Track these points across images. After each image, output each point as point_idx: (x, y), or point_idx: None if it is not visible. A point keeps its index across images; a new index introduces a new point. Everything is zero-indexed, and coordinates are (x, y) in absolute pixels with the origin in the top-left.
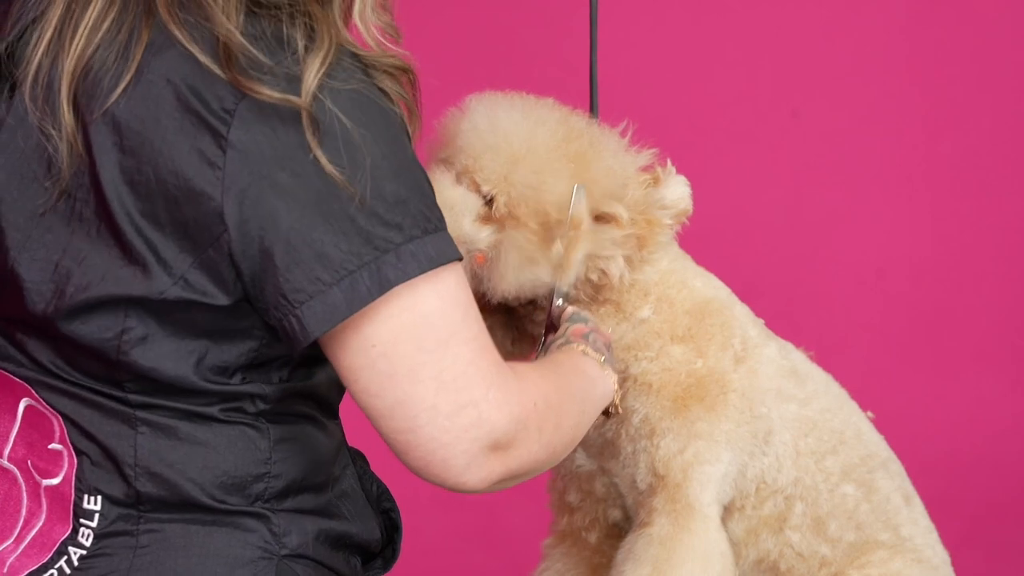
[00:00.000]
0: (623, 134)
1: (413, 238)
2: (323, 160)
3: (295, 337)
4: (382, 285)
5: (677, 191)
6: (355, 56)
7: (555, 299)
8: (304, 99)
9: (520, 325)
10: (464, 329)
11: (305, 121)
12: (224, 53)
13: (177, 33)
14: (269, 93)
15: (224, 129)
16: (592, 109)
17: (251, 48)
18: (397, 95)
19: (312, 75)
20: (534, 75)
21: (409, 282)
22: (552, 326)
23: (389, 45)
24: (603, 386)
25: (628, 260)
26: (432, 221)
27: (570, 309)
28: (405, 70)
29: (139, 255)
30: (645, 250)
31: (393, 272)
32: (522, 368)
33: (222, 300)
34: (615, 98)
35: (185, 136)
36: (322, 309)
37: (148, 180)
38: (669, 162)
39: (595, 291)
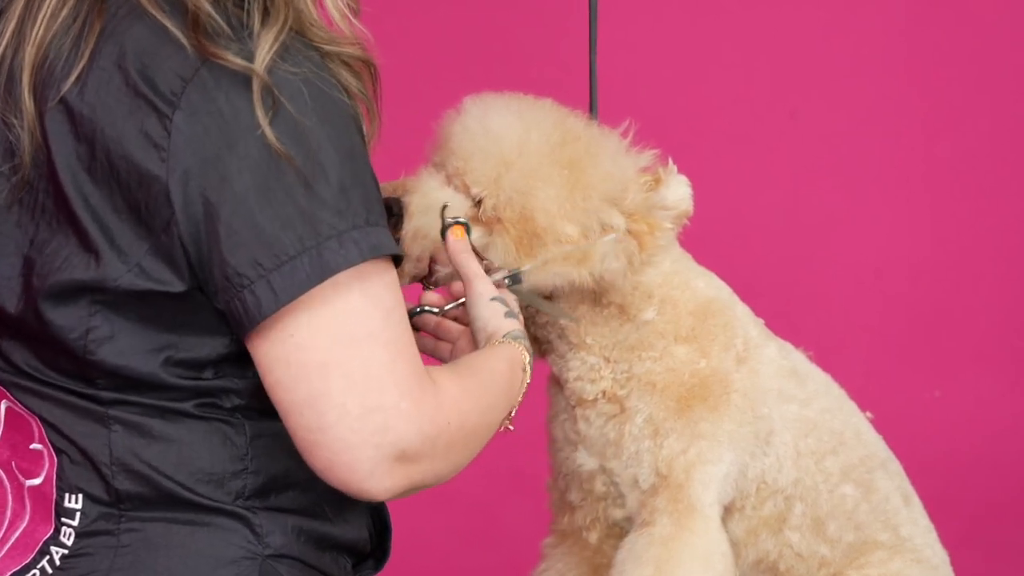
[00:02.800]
0: (624, 134)
1: (356, 226)
2: (270, 136)
3: (240, 321)
4: (322, 271)
5: (678, 192)
6: (312, 44)
7: (505, 274)
8: (260, 67)
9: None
10: (384, 331)
11: (256, 95)
12: (192, 20)
13: (145, 3)
14: (233, 59)
15: (170, 111)
16: (591, 110)
17: (217, 17)
18: (357, 91)
19: (264, 51)
20: (533, 76)
21: (336, 276)
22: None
23: (356, 23)
24: (520, 385)
25: (630, 263)
26: (373, 214)
27: (503, 295)
28: (366, 62)
29: (93, 242)
30: (646, 252)
31: (334, 258)
32: (446, 382)
33: (177, 287)
34: (613, 99)
35: (134, 120)
36: (264, 294)
37: (103, 166)
38: (671, 161)
39: (598, 294)
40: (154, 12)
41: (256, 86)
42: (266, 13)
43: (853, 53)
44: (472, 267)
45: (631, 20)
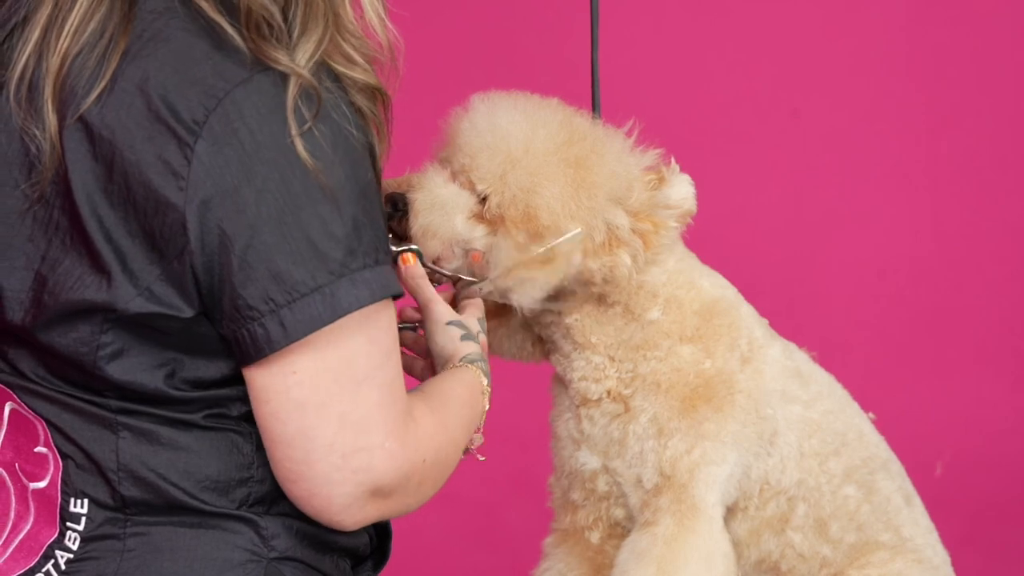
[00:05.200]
0: (628, 134)
1: (367, 266)
2: (300, 147)
3: (247, 352)
4: (335, 310)
5: (681, 191)
6: (334, 74)
7: (473, 282)
8: (301, 71)
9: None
10: (382, 372)
11: (290, 103)
12: (246, 18)
13: (203, 4)
14: (284, 61)
15: (192, 140)
16: (594, 108)
17: (270, 8)
18: (369, 112)
19: (304, 59)
20: (535, 75)
21: (350, 315)
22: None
23: (391, 26)
24: (480, 408)
25: (635, 261)
26: (382, 252)
27: (471, 309)
28: (379, 90)
29: (106, 263)
30: (651, 251)
31: (346, 298)
32: (423, 418)
33: (186, 312)
34: (615, 98)
35: (154, 146)
36: (274, 329)
37: (120, 189)
38: (673, 160)
39: (602, 294)
40: (211, 14)
41: (292, 92)
42: (306, 22)
43: (855, 52)
44: (427, 292)
45: (632, 19)
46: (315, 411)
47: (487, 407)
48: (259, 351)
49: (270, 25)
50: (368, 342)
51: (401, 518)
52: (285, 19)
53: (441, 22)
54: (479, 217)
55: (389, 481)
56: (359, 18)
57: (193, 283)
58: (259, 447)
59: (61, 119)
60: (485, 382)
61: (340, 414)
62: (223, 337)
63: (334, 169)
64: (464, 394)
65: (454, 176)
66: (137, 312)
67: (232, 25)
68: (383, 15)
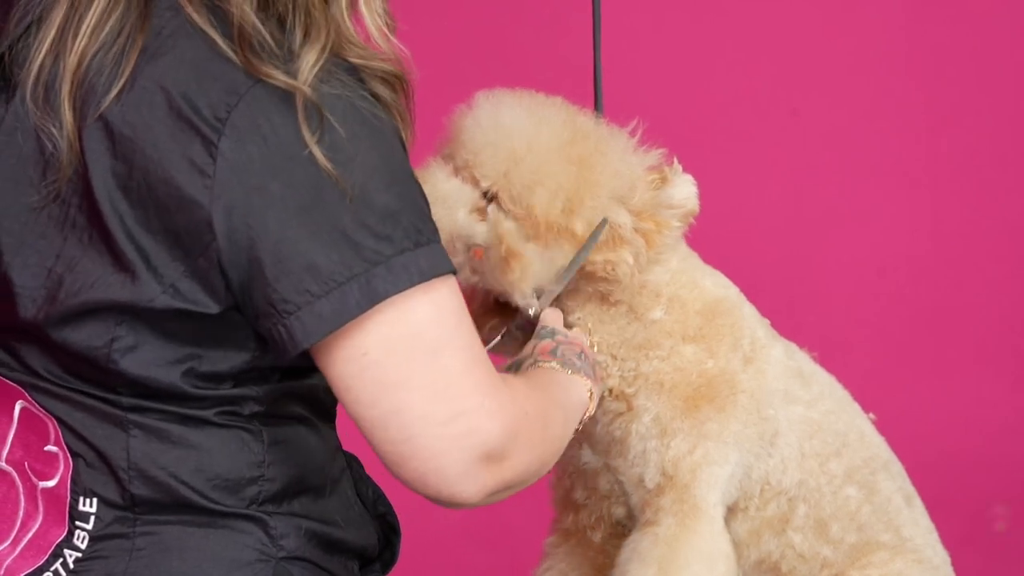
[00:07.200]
0: (631, 133)
1: (404, 251)
2: (319, 155)
3: (283, 347)
4: (371, 298)
5: (684, 191)
6: (347, 63)
7: (527, 310)
8: (304, 85)
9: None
10: (457, 338)
11: (301, 114)
12: (238, 34)
13: (194, 15)
14: (279, 76)
15: (215, 137)
16: (596, 107)
17: (263, 31)
18: (391, 102)
19: (307, 70)
20: (535, 74)
21: (402, 293)
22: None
23: (393, 39)
24: (577, 394)
25: (637, 261)
26: (424, 234)
27: (543, 319)
28: (399, 77)
29: (129, 262)
30: (654, 251)
31: (383, 285)
32: (510, 379)
33: (213, 308)
34: (614, 97)
35: (176, 144)
36: (310, 321)
37: (140, 187)
38: (676, 160)
39: (605, 293)
40: (203, 26)
41: (300, 104)
42: (307, 32)
43: (855, 51)
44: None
45: (631, 18)
46: (398, 387)
47: (584, 396)
48: (296, 345)
49: (261, 45)
50: (436, 310)
51: (401, 515)
52: (282, 32)
53: (441, 20)
54: (482, 212)
55: (497, 441)
56: (360, 31)
57: (221, 279)
58: (270, 445)
59: (80, 118)
60: (548, 364)
61: (426, 384)
62: (251, 330)
63: (354, 167)
64: (532, 372)
65: (457, 172)
66: (162, 308)
67: (224, 38)
68: (383, 27)
